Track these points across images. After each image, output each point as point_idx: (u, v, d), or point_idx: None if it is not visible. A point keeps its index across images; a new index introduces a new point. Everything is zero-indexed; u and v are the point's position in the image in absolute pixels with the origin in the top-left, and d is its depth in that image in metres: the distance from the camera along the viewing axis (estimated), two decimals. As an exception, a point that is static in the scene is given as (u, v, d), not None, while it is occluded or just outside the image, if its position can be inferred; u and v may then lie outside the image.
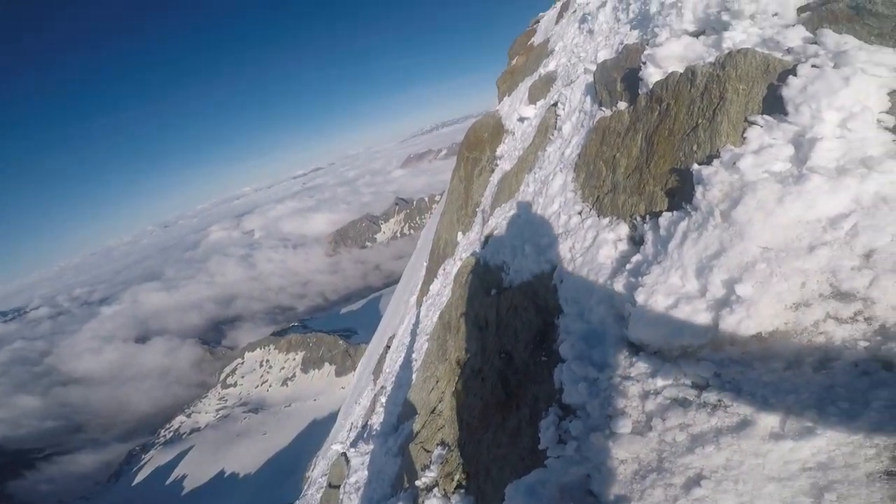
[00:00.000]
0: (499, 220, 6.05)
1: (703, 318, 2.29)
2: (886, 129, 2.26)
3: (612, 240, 3.39)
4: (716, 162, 2.63)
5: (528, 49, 11.78)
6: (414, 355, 7.96)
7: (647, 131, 3.53)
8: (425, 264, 11.23)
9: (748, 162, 2.43)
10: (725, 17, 3.47)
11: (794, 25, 3.06)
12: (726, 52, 3.09)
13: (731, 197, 2.38)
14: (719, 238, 2.32)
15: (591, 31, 7.17)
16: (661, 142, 3.28)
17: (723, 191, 2.43)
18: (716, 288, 2.28)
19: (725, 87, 2.90)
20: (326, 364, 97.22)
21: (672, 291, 2.52)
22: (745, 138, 2.64)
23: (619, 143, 3.84)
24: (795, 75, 2.56)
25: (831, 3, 3.01)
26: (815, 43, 2.79)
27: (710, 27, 3.70)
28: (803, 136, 2.36)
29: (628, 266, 3.02)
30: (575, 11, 8.77)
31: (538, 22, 13.67)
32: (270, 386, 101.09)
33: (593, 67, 5.34)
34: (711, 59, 3.22)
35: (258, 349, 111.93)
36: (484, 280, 5.72)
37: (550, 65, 8.38)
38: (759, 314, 2.09)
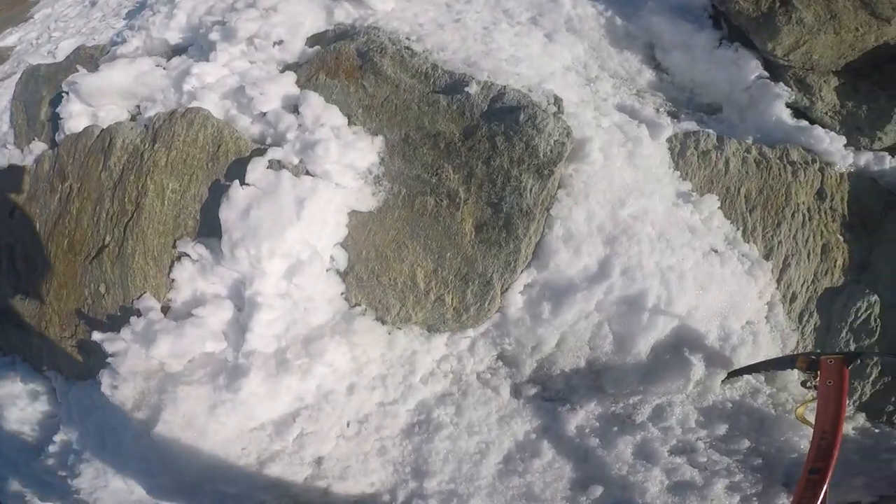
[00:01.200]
0: None
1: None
2: (338, 272, 1.91)
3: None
4: (126, 331, 1.79)
5: (16, 3, 6.38)
6: None
7: (46, 223, 2.18)
8: None
9: (165, 346, 1.71)
10: (215, 35, 2.33)
11: (284, 72, 2.19)
12: (183, 101, 2.11)
13: (148, 404, 1.68)
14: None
15: (93, 4, 4.61)
16: (60, 256, 2.08)
17: (137, 390, 1.69)
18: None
19: (147, 183, 1.90)
20: None
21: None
22: (173, 281, 1.88)
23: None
24: (245, 182, 1.83)
25: (344, 41, 2.19)
26: (297, 111, 2.02)
27: (197, 44, 2.55)
28: (244, 291, 1.80)
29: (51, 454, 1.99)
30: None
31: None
32: None
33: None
34: (154, 112, 2.11)
35: None
36: None
37: (11, 37, 5.16)
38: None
